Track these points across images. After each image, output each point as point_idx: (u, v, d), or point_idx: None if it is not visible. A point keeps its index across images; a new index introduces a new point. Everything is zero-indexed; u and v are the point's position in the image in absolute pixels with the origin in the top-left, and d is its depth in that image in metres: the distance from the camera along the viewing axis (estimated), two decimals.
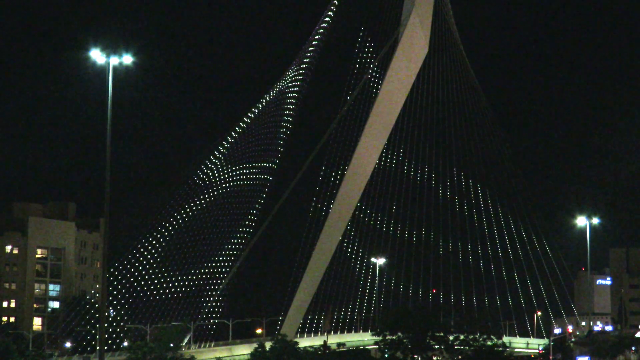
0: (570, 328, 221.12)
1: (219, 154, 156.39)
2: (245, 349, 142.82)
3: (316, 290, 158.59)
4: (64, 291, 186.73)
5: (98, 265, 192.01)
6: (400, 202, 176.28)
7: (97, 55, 74.00)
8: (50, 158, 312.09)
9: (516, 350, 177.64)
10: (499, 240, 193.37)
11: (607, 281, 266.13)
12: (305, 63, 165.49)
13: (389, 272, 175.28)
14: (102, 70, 74.31)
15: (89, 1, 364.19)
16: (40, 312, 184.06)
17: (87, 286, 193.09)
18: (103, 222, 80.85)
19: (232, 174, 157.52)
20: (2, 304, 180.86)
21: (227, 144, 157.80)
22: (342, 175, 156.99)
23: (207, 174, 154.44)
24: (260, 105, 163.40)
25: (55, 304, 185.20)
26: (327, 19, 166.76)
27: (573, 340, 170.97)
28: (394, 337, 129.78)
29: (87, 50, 74.34)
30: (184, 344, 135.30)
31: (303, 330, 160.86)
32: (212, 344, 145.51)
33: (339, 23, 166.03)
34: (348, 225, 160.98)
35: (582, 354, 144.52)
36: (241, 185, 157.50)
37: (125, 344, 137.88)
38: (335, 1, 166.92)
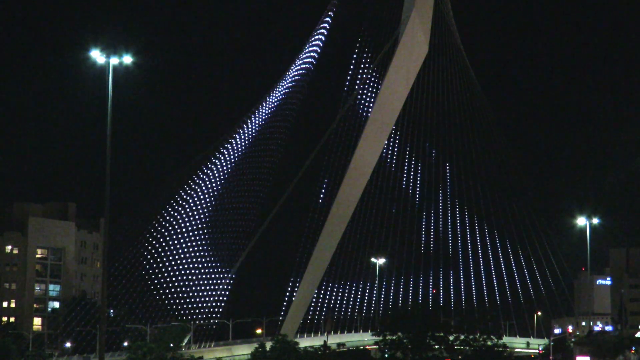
0: (570, 328, 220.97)
1: (220, 154, 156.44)
2: (245, 349, 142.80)
3: (316, 290, 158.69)
4: (64, 291, 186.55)
5: (98, 265, 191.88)
6: (400, 202, 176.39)
7: (97, 55, 74.00)
8: (50, 158, 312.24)
9: (516, 350, 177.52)
10: (499, 241, 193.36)
11: (607, 281, 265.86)
12: (305, 63, 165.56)
13: (389, 272, 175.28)
14: (102, 70, 74.28)
15: (89, 1, 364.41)
16: (40, 312, 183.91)
17: (87, 286, 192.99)
18: (103, 222, 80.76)
19: (233, 174, 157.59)
20: (2, 304, 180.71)
21: (228, 144, 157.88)
22: (342, 175, 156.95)
23: (207, 174, 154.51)
24: (261, 105, 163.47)
25: (55, 304, 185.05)
26: (328, 18, 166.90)
27: (573, 340, 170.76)
28: (394, 337, 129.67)
29: (87, 50, 74.36)
30: (184, 344, 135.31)
31: (303, 330, 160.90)
32: (212, 344, 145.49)
33: (340, 23, 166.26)
34: (348, 225, 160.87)
35: (582, 354, 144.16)
36: (241, 185, 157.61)
37: (125, 344, 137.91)
38: (336, 1, 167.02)
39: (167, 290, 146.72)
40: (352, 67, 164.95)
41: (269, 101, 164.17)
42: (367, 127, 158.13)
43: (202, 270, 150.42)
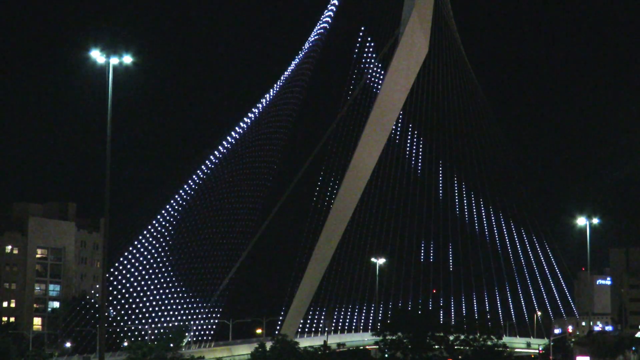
0: (570, 328, 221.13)
1: (220, 154, 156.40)
2: (245, 349, 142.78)
3: (316, 290, 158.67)
4: (64, 291, 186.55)
5: (98, 265, 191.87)
6: (400, 203, 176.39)
7: (97, 55, 74.03)
8: (50, 158, 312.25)
9: (516, 350, 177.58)
10: (499, 241, 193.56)
11: (607, 281, 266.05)
12: (305, 63, 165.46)
13: (389, 272, 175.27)
14: (102, 70, 74.31)
15: (89, 1, 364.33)
16: (40, 312, 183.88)
17: (87, 286, 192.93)
18: (103, 222, 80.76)
19: (233, 174, 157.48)
20: (2, 304, 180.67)
21: (227, 144, 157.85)
22: (342, 175, 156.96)
23: (207, 174, 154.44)
24: (261, 106, 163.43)
25: (55, 304, 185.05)
26: (327, 18, 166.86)
27: (573, 340, 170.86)
28: (394, 337, 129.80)
29: (87, 50, 74.40)
30: (184, 344, 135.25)
31: (303, 330, 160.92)
32: (212, 344, 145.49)
33: (339, 23, 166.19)
34: (348, 225, 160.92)
35: (582, 354, 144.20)
36: (241, 185, 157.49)
37: (125, 344, 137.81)
38: (336, 1, 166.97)
39: (167, 290, 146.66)
40: (351, 67, 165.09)
41: (269, 101, 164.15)
42: (367, 127, 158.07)
43: (203, 270, 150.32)
